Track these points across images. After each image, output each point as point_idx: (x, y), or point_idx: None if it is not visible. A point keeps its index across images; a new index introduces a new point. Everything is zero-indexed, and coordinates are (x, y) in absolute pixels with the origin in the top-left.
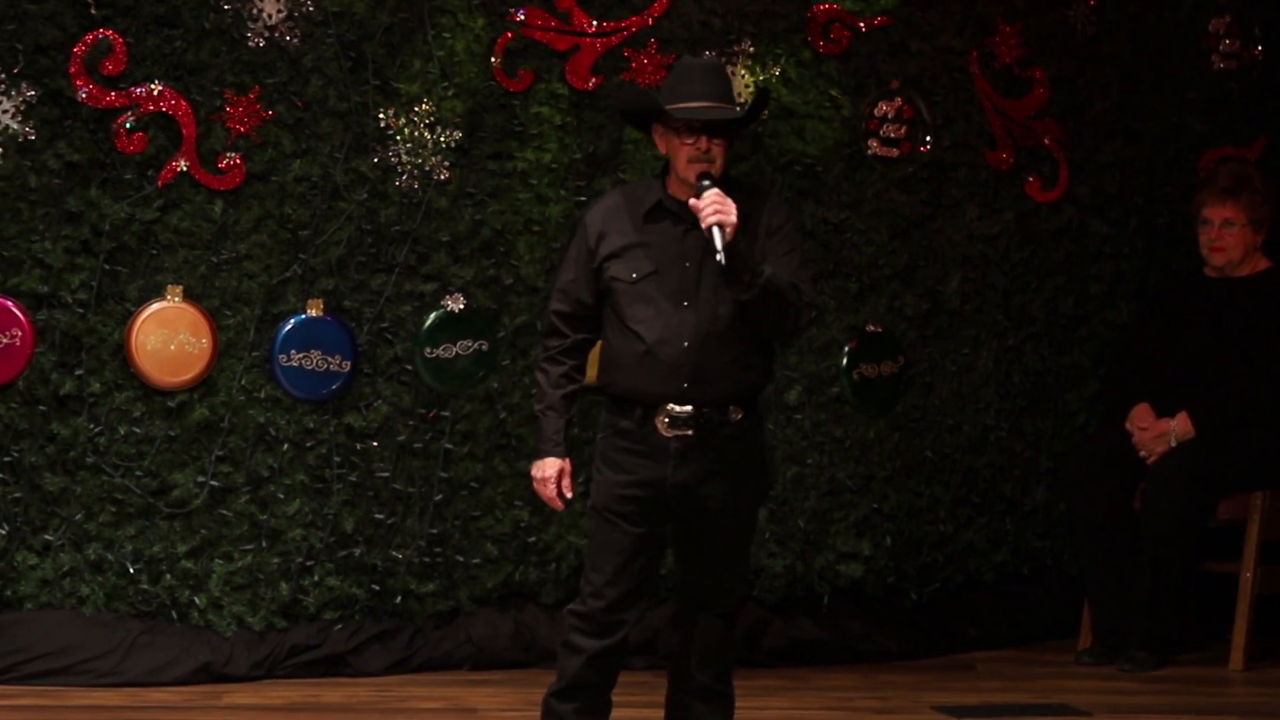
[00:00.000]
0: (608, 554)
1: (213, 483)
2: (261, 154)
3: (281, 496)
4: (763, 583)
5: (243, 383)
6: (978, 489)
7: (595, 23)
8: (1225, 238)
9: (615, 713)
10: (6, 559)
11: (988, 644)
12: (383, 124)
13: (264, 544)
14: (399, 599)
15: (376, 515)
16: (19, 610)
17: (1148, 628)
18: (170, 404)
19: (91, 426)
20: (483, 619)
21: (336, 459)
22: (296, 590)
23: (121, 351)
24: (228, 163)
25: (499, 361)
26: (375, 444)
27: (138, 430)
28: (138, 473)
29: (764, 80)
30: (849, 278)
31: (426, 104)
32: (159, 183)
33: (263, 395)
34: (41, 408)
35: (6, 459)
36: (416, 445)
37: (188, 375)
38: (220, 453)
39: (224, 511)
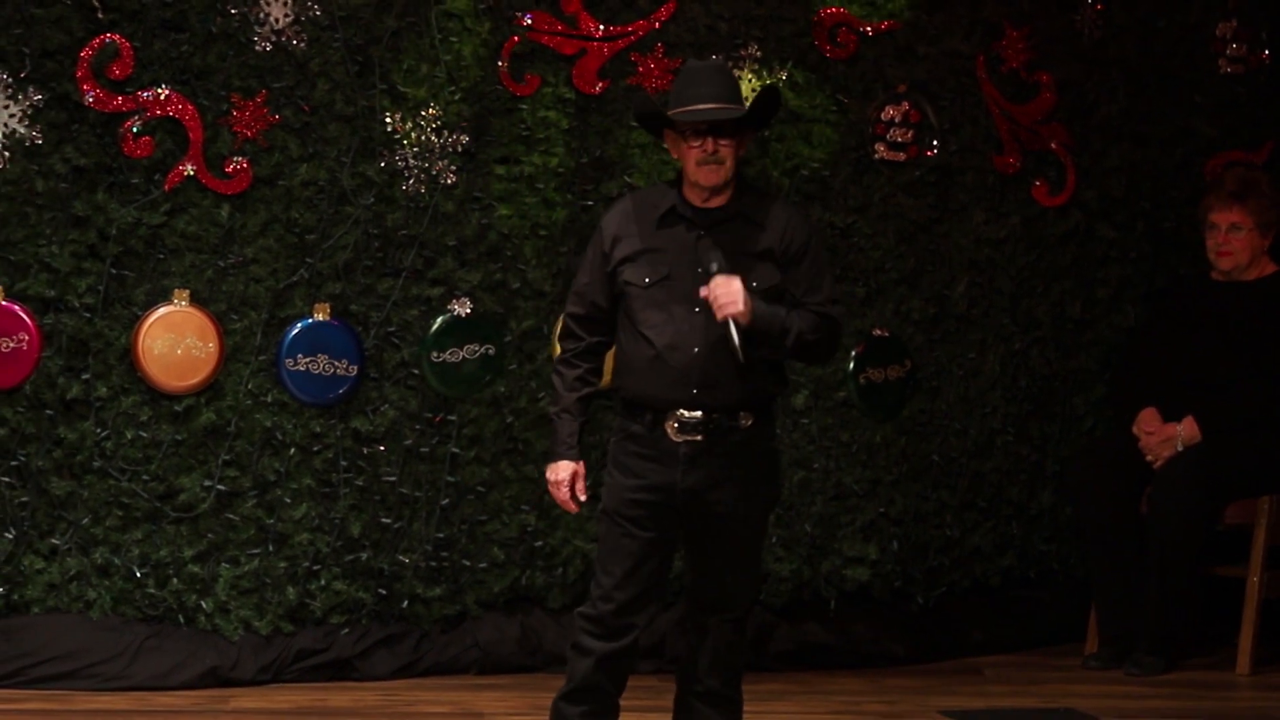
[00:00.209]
0: (617, 558)
1: (219, 487)
2: (268, 158)
3: (288, 500)
4: (769, 587)
5: (249, 387)
6: (984, 493)
7: (602, 27)
8: (1232, 242)
9: (622, 717)
10: (13, 563)
11: (994, 648)
12: (389, 128)
13: (271, 548)
14: (406, 603)
15: (383, 519)
16: (26, 614)
17: (1155, 632)
18: (177, 408)
19: (98, 431)
20: (489, 623)
21: (343, 463)
22: (303, 594)
23: (128, 356)
24: (234, 167)
25: (506, 366)
26: (382, 448)
27: (144, 434)
28: (144, 477)
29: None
30: (855, 282)
31: (433, 108)
32: (166, 187)
33: (269, 399)
34: (48, 412)
35: (13, 463)
36: (423, 449)
37: (194, 379)
38: (227, 457)
39: (231, 516)
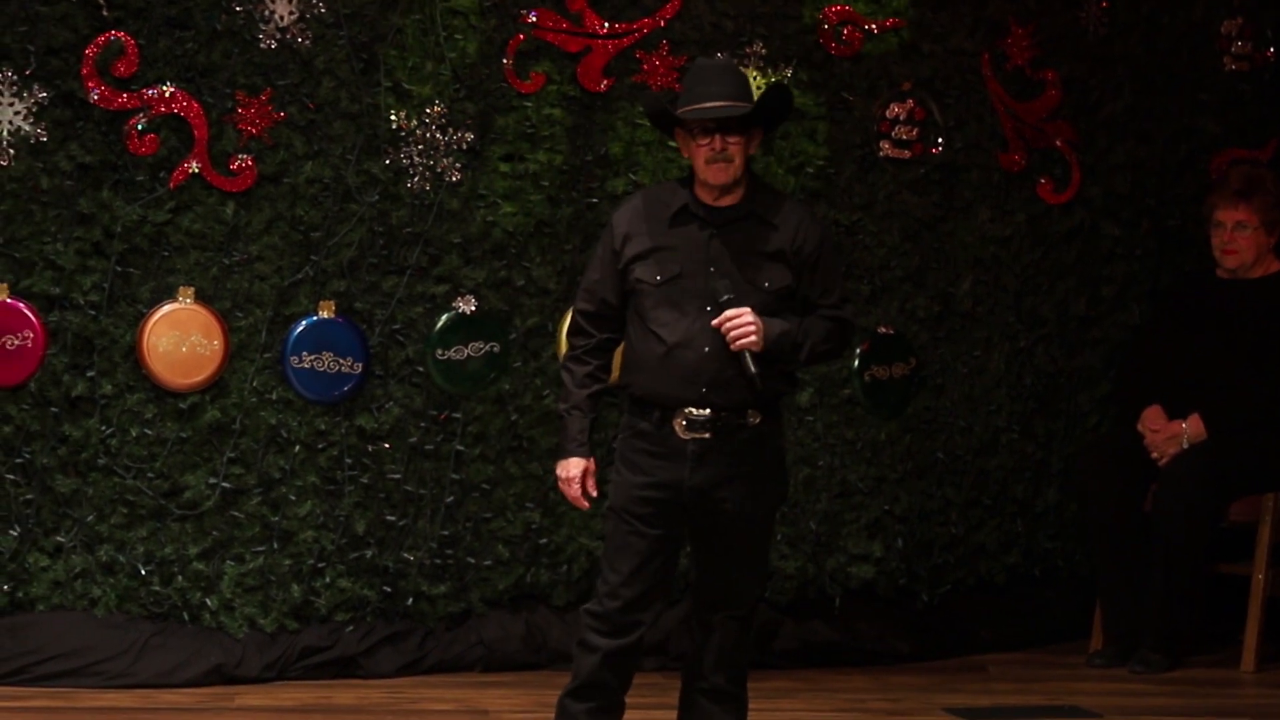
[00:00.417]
0: (624, 555)
1: (224, 484)
2: (273, 156)
3: (293, 498)
4: (774, 584)
5: (254, 384)
6: (989, 491)
7: (607, 24)
8: (1238, 240)
9: (627, 714)
10: (18, 561)
11: (999, 646)
12: (394, 126)
13: (275, 546)
14: (410, 601)
15: (388, 517)
16: (31, 612)
17: (1159, 629)
18: (182, 405)
19: (103, 428)
20: (494, 621)
21: (348, 461)
22: (308, 592)
23: (133, 353)
24: (239, 164)
25: (510, 363)
26: (387, 446)
27: (149, 432)
28: (149, 474)
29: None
30: (861, 279)
31: (438, 106)
32: (171, 184)
33: (274, 397)
34: (53, 409)
35: (18, 460)
36: (428, 447)
37: (199, 377)
38: (232, 454)
39: (235, 513)
